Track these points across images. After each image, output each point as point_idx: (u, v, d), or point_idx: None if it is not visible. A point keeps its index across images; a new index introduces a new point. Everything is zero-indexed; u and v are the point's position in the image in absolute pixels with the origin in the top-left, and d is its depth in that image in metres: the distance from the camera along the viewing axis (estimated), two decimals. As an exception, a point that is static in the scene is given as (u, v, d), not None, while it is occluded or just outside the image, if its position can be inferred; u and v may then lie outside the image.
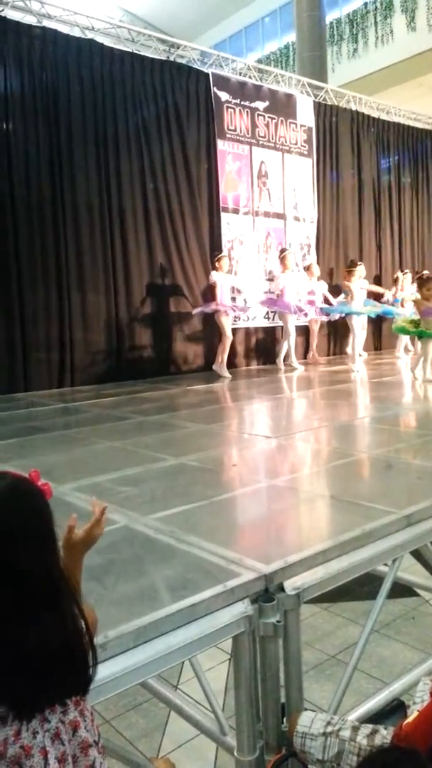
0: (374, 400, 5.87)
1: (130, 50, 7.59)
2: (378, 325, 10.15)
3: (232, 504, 2.77)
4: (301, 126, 9.37)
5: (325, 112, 9.70)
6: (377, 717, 1.82)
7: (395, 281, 9.60)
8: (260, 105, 8.83)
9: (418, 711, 1.54)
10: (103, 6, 14.26)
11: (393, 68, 15.04)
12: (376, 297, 9.13)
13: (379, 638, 3.10)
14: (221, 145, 8.39)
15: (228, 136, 8.47)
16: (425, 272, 8.49)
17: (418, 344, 7.77)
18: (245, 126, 8.67)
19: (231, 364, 7.93)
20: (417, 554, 3.35)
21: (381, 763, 1.15)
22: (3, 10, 6.49)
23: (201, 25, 19.25)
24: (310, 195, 9.51)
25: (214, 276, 7.63)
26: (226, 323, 7.70)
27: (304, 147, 9.43)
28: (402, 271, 9.83)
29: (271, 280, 8.70)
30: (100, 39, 7.33)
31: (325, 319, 8.88)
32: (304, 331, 9.20)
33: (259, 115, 8.82)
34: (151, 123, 7.64)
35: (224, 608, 1.69)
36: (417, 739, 1.33)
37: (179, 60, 8.11)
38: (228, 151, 8.49)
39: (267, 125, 8.94)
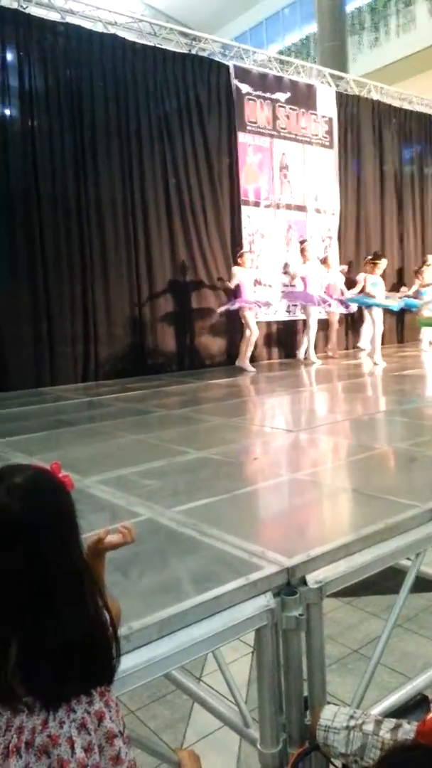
0: (396, 393, 5.81)
1: (152, 44, 7.59)
2: (401, 317, 10.04)
3: (255, 497, 2.78)
4: (323, 117, 9.28)
5: (346, 103, 9.60)
6: (400, 712, 1.82)
7: (417, 274, 9.45)
8: (281, 96, 8.77)
9: None
10: (125, 1, 14.26)
11: (415, 56, 14.79)
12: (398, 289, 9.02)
13: (402, 632, 3.09)
14: (242, 137, 8.36)
15: (249, 128, 8.43)
16: None
17: None
18: (266, 118, 8.62)
19: (252, 358, 7.92)
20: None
21: (401, 760, 1.15)
22: (27, 7, 6.53)
23: (221, 18, 19.14)
24: (331, 187, 9.42)
25: (237, 273, 7.59)
26: (251, 318, 7.68)
27: (326, 138, 9.35)
28: (424, 260, 9.66)
29: (287, 273, 8.64)
30: (122, 34, 7.35)
31: (345, 311, 8.81)
32: (324, 325, 9.15)
33: (280, 106, 8.76)
34: (172, 116, 7.64)
35: (247, 601, 1.70)
36: None
37: (200, 53, 8.09)
38: (249, 144, 8.45)
39: (288, 117, 8.88)
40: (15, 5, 6.46)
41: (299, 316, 8.65)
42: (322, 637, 1.78)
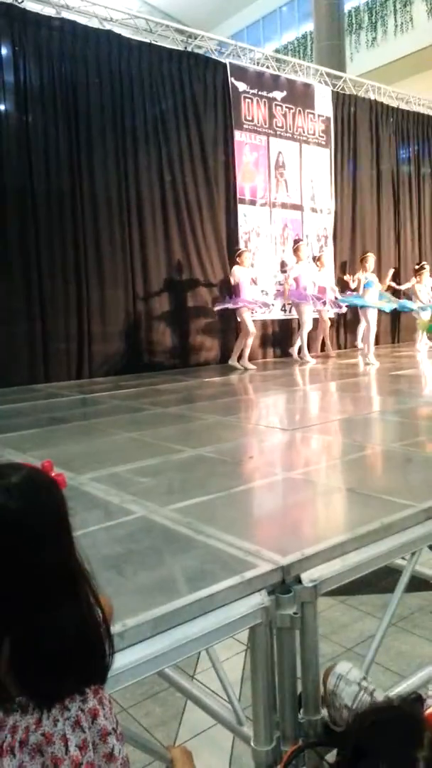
0: (391, 393, 5.82)
1: (148, 41, 7.57)
2: (396, 318, 10.06)
3: (249, 496, 2.77)
4: (319, 116, 9.28)
5: (343, 102, 9.60)
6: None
7: (416, 273, 9.44)
8: (278, 95, 8.77)
9: None
10: (121, -3, 14.20)
11: (413, 57, 14.82)
12: (394, 291, 9.02)
13: (397, 632, 3.09)
14: (238, 135, 8.35)
15: (245, 126, 8.42)
16: None
17: None
18: (263, 116, 8.61)
19: (249, 356, 7.91)
20: (435, 548, 3.33)
21: (372, 719, 1.13)
22: (22, 2, 6.50)
23: (218, 15, 19.11)
24: (327, 186, 9.43)
25: (236, 272, 7.57)
26: (249, 318, 7.68)
27: (322, 137, 9.35)
28: (420, 265, 9.65)
29: (284, 271, 8.65)
30: (118, 30, 7.33)
31: (337, 310, 8.82)
32: (317, 324, 9.15)
33: (276, 105, 8.76)
34: (168, 114, 7.62)
35: (241, 599, 1.69)
36: None
37: (197, 50, 8.07)
38: (245, 142, 8.44)
39: (284, 115, 8.88)
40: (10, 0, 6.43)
41: (294, 315, 8.66)
42: (317, 636, 1.78)
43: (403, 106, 10.67)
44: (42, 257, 6.71)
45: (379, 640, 2.00)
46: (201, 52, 8.15)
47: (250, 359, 7.89)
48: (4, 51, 6.43)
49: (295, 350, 8.41)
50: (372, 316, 7.81)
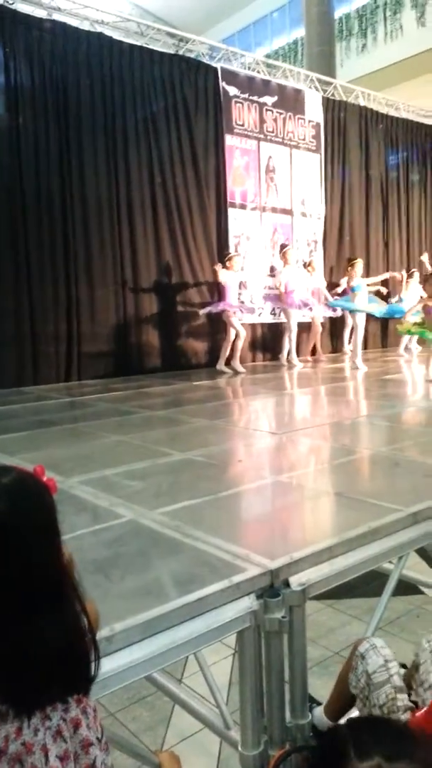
0: (379, 397, 5.85)
1: (139, 44, 7.58)
2: (385, 323, 10.11)
3: (238, 499, 2.78)
4: (309, 121, 9.33)
5: (333, 108, 9.67)
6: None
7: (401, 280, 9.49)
8: (268, 100, 8.80)
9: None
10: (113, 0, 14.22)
11: (402, 64, 14.93)
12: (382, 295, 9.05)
13: (384, 635, 3.10)
14: (229, 139, 8.37)
15: (236, 130, 8.45)
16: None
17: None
18: (253, 121, 8.65)
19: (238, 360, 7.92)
20: (423, 552, 3.35)
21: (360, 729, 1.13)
22: (13, 3, 6.49)
23: (210, 20, 19.17)
24: (317, 191, 9.48)
25: (223, 276, 7.58)
26: (235, 321, 7.69)
27: (312, 142, 9.40)
28: (408, 272, 9.71)
29: (273, 276, 8.68)
30: (109, 33, 7.33)
31: (331, 314, 8.86)
32: (308, 328, 9.19)
33: (267, 110, 8.79)
34: (159, 117, 7.63)
35: (230, 603, 1.69)
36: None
37: (188, 54, 8.09)
38: (236, 146, 8.47)
39: (275, 120, 8.92)
40: (1, 0, 6.42)
41: (284, 318, 8.68)
42: (305, 640, 1.78)
43: (393, 113, 10.76)
44: (31, 259, 6.68)
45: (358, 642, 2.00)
46: (192, 56, 8.17)
47: (240, 362, 7.90)
48: (-6, 52, 6.41)
49: (284, 356, 8.43)
50: (361, 320, 7.85)
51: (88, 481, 2.88)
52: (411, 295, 8.92)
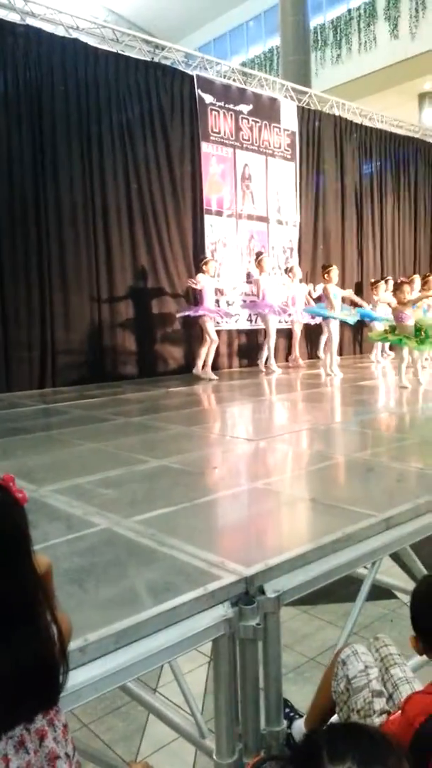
0: (353, 403, 5.91)
1: (115, 50, 7.57)
2: (359, 329, 10.22)
3: (213, 507, 2.78)
4: (285, 130, 9.42)
5: (308, 117, 9.77)
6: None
7: (374, 286, 9.57)
8: (244, 108, 8.87)
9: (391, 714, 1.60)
10: (88, 5, 14.20)
11: (376, 75, 15.22)
12: (353, 304, 9.13)
13: (358, 640, 3.11)
14: (205, 147, 8.41)
15: (212, 138, 8.49)
16: (401, 278, 8.56)
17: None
18: (229, 129, 8.70)
19: (213, 366, 7.93)
20: (396, 557, 3.39)
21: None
22: (-14, 7, 6.44)
23: (186, 27, 19.27)
24: (292, 199, 9.56)
25: (201, 280, 7.60)
26: (210, 327, 7.70)
27: (288, 151, 9.49)
28: (384, 278, 9.82)
29: (250, 282, 8.74)
30: (84, 39, 7.30)
31: (309, 321, 8.93)
32: (287, 334, 9.25)
33: (243, 118, 8.85)
34: (135, 124, 7.62)
35: (205, 611, 1.69)
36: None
37: (164, 61, 8.11)
38: (212, 154, 8.50)
39: (251, 128, 8.98)
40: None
41: (261, 325, 8.73)
42: (279, 647, 1.79)
43: (367, 123, 10.92)
44: (4, 264, 6.60)
45: (340, 650, 2.01)
46: (168, 63, 8.19)
47: (216, 369, 7.91)
48: (-32, 56, 6.35)
49: (262, 362, 8.47)
50: (334, 327, 7.93)
51: (61, 489, 2.85)
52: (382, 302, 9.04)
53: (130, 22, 15.95)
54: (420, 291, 8.31)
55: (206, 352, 7.75)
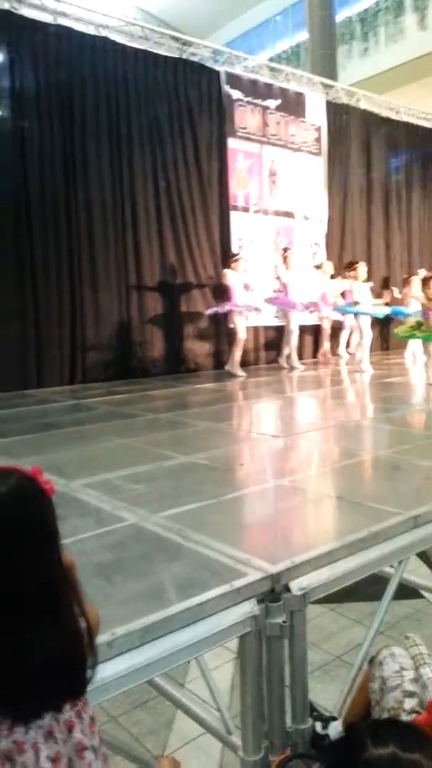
0: (381, 400, 5.85)
1: (143, 48, 7.60)
2: (387, 325, 10.10)
3: (240, 503, 2.78)
4: (312, 125, 9.34)
5: (335, 111, 9.68)
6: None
7: (406, 281, 9.48)
8: (271, 103, 8.82)
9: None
10: (117, 4, 14.27)
11: (403, 67, 14.95)
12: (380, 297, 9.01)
13: (385, 639, 3.10)
14: (232, 143, 8.39)
15: (239, 134, 8.47)
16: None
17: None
18: (256, 124, 8.66)
19: (241, 363, 7.93)
20: (423, 556, 3.35)
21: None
22: (19, 8, 6.52)
23: (213, 23, 19.23)
24: (319, 194, 9.49)
25: (229, 276, 7.60)
26: (240, 323, 7.70)
27: (315, 146, 9.41)
28: (411, 273, 9.68)
29: (279, 278, 8.70)
30: (113, 37, 7.35)
31: (339, 318, 8.85)
32: (314, 331, 9.20)
33: (270, 113, 8.81)
34: (163, 120, 7.65)
35: (231, 608, 1.70)
36: None
37: (191, 58, 8.11)
38: (239, 150, 8.48)
39: (278, 123, 8.93)
40: (6, 6, 6.45)
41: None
42: (305, 644, 1.79)
43: (394, 116, 10.76)
44: (36, 262, 6.70)
45: (367, 648, 2.01)
46: (196, 59, 8.19)
47: (244, 365, 7.90)
48: (0, 57, 6.44)
49: (283, 359, 8.42)
50: (365, 323, 7.85)
51: (91, 484, 2.89)
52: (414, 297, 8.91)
53: (159, 20, 15.95)
54: None
55: (237, 350, 7.74)
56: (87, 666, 1.07)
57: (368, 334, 7.85)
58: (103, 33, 7.28)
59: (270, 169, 8.89)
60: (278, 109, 8.90)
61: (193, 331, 8.11)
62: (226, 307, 7.62)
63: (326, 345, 9.05)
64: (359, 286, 7.84)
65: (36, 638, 0.99)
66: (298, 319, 8.26)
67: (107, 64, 7.14)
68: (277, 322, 8.91)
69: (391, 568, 2.33)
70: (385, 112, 10.58)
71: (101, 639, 1.36)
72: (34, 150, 6.62)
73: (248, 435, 4.36)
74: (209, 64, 8.31)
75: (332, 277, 8.82)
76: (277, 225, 8.98)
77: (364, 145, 10.10)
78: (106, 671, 1.41)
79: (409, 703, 1.70)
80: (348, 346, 9.24)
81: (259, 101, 8.66)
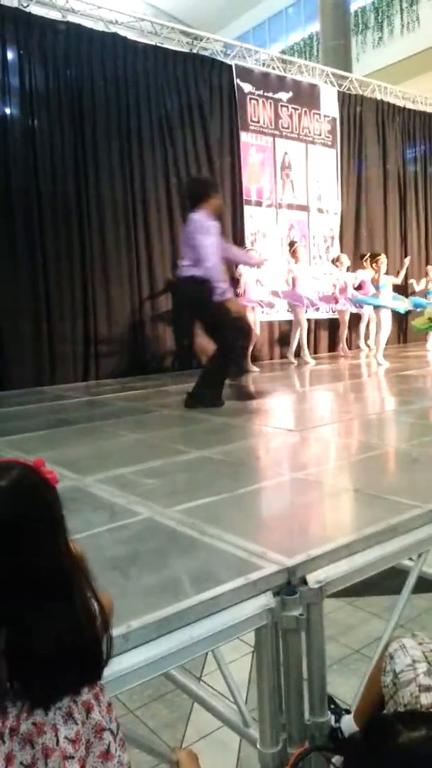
0: (399, 393, 5.79)
1: (153, 43, 7.58)
2: (404, 317, 10.01)
3: (255, 497, 2.77)
4: (325, 116, 9.27)
5: (349, 102, 9.59)
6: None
7: (427, 273, 9.41)
8: (284, 96, 8.76)
9: None
10: (127, 0, 14.26)
11: (419, 56, 14.76)
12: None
13: (404, 633, 3.06)
14: (244, 137, 8.35)
15: (251, 127, 8.42)
16: None
17: None
18: (268, 117, 8.61)
19: (253, 357, 7.91)
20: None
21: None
22: (28, 6, 6.53)
23: (224, 17, 19.13)
24: (333, 186, 9.41)
25: (241, 270, 7.58)
26: (252, 319, 7.66)
27: (328, 138, 9.33)
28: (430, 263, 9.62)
29: (290, 271, 8.65)
30: (123, 33, 7.34)
31: (355, 310, 8.79)
32: (329, 324, 9.15)
33: (282, 106, 8.75)
34: (174, 116, 7.63)
35: (247, 601, 1.68)
36: None
37: (202, 52, 8.08)
38: (251, 143, 8.44)
39: (290, 116, 8.87)
40: (15, 3, 6.47)
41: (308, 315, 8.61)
42: (323, 637, 1.77)
43: (410, 106, 10.64)
44: (48, 259, 6.73)
45: (386, 642, 1.98)
46: (206, 54, 8.15)
47: (257, 359, 7.87)
48: (9, 55, 6.46)
49: (291, 353, 8.37)
50: (385, 316, 7.78)
51: (105, 479, 2.89)
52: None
53: (169, 15, 15.91)
54: None
55: (251, 344, 7.72)
56: (102, 651, 1.07)
57: (387, 328, 7.77)
58: (113, 29, 7.28)
59: (283, 162, 8.83)
60: (290, 101, 8.83)
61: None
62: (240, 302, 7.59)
63: (344, 338, 9.00)
64: (385, 278, 7.77)
65: (48, 625, 1.00)
66: (304, 312, 8.20)
67: (117, 60, 7.13)
68: (290, 316, 8.87)
69: (410, 562, 2.30)
70: (400, 102, 10.46)
71: (117, 632, 1.35)
72: (45, 147, 6.64)
73: (263, 429, 4.33)
74: (220, 58, 8.27)
75: (348, 269, 8.76)
76: (290, 219, 8.93)
77: (379, 136, 10.00)
78: (121, 664, 1.40)
79: (426, 699, 1.67)
80: (367, 338, 9.18)
81: (271, 94, 8.60)
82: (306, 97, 9.02)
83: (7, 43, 6.42)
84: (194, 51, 7.98)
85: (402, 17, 15.31)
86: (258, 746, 1.74)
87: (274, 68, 8.93)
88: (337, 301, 8.56)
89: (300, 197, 9.03)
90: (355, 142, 9.72)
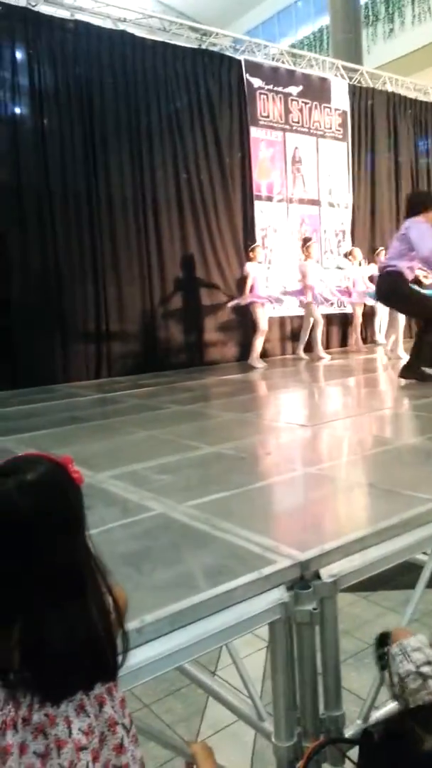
0: (413, 387, 5.75)
1: (162, 40, 7.57)
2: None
3: (268, 492, 2.76)
4: (336, 110, 9.21)
5: (360, 95, 9.52)
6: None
7: None
8: (294, 90, 8.71)
9: None
10: (135, -3, 14.25)
11: (431, 47, 14.61)
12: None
13: (419, 627, 3.05)
14: (254, 132, 8.32)
15: (261, 122, 8.39)
16: None
17: None
18: (278, 112, 8.57)
19: (264, 353, 7.89)
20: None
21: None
22: (36, 5, 6.55)
23: (233, 12, 19.06)
24: (345, 180, 9.36)
25: (248, 267, 7.56)
26: (262, 315, 7.64)
27: (339, 131, 9.28)
28: None
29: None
30: (131, 30, 7.34)
31: (371, 303, 8.72)
32: (341, 319, 9.10)
33: (292, 100, 8.71)
34: (183, 112, 7.62)
35: (260, 595, 1.68)
36: None
37: (211, 48, 8.06)
38: (261, 138, 8.41)
39: (301, 110, 8.82)
40: (24, 3, 6.48)
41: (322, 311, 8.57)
42: (336, 631, 1.76)
43: (422, 98, 10.54)
44: (59, 257, 6.76)
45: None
46: (216, 49, 8.13)
47: (268, 355, 7.85)
48: (18, 54, 6.48)
49: (300, 349, 8.34)
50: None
51: (118, 475, 2.90)
52: None
53: (177, 11, 15.88)
54: None
55: (257, 341, 7.70)
56: (116, 648, 1.07)
57: (402, 321, 7.70)
58: (121, 26, 7.28)
59: (293, 156, 8.79)
60: (300, 95, 8.79)
61: (217, 323, 8.09)
62: (248, 299, 7.57)
63: (358, 333, 8.96)
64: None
65: (64, 621, 1.00)
66: (317, 308, 8.17)
67: (126, 57, 7.13)
68: (302, 312, 8.84)
69: (425, 556, 2.29)
70: (411, 94, 10.37)
71: (131, 626, 1.35)
72: (55, 146, 6.66)
73: (275, 425, 4.32)
74: (229, 53, 8.25)
75: (360, 263, 8.71)
76: (301, 213, 8.89)
77: (390, 129, 9.92)
78: (136, 657, 1.41)
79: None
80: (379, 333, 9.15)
81: (280, 88, 8.56)
82: (316, 90, 8.97)
83: (16, 42, 6.44)
84: (203, 47, 7.96)
85: (413, 8, 15.16)
86: (272, 740, 1.74)
87: (283, 62, 8.88)
88: (350, 295, 8.52)
89: (311, 191, 8.99)
90: (367, 135, 9.64)
